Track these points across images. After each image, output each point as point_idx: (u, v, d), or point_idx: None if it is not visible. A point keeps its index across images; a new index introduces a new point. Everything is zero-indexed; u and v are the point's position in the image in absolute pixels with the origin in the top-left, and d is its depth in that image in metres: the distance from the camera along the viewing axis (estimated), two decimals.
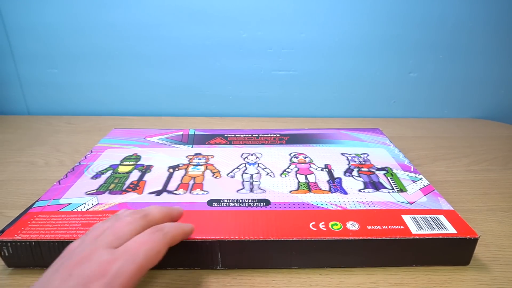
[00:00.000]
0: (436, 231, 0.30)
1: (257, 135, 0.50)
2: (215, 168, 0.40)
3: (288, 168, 0.41)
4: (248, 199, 0.34)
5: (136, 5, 0.60)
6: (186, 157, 0.43)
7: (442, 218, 0.32)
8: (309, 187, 0.37)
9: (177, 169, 0.40)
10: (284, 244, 0.29)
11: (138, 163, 0.42)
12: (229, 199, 0.34)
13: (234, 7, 0.61)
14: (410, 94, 0.68)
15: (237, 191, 0.36)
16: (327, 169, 0.41)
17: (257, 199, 0.34)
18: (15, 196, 0.40)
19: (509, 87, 0.68)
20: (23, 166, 0.47)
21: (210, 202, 0.33)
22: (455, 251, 0.30)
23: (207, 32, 0.62)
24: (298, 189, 0.36)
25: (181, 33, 0.62)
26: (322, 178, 0.39)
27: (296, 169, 0.41)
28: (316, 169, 0.41)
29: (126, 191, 0.35)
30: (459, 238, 0.29)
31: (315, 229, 0.29)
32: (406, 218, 0.31)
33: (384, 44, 0.64)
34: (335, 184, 0.37)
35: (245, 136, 0.49)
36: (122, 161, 0.42)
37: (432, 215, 0.32)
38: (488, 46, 0.64)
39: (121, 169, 0.40)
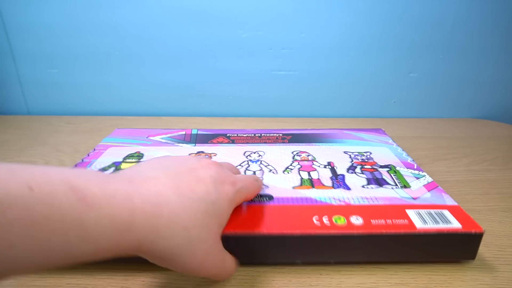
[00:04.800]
0: (441, 226, 0.29)
1: (259, 135, 0.50)
2: None
3: (290, 165, 0.41)
4: None
5: (136, 5, 0.60)
6: (189, 155, 0.43)
7: (446, 212, 0.31)
8: (312, 183, 0.37)
9: None
10: (288, 238, 0.29)
11: (141, 160, 0.42)
12: None
13: (234, 7, 0.61)
14: (410, 94, 0.68)
15: None
16: (330, 166, 0.41)
17: (260, 194, 0.34)
18: None
19: (509, 87, 0.68)
20: None
21: None
22: (460, 246, 0.30)
23: (207, 32, 0.62)
24: (301, 185, 0.36)
25: (181, 33, 0.63)
26: (325, 175, 0.39)
27: (299, 166, 0.41)
28: (319, 166, 0.41)
29: None
30: (464, 233, 0.29)
31: (319, 223, 0.29)
32: (410, 213, 0.31)
33: (384, 44, 0.64)
34: (338, 181, 0.37)
35: (247, 136, 0.50)
36: (124, 158, 0.42)
37: (437, 210, 0.32)
38: (488, 46, 0.64)
39: (124, 166, 0.40)
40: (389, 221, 0.30)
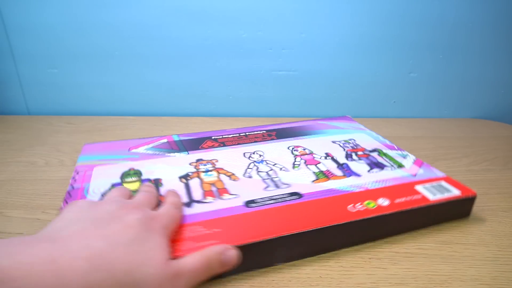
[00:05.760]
0: (446, 195, 0.35)
1: (245, 134, 0.50)
2: (228, 171, 0.40)
3: (295, 161, 0.42)
4: (281, 195, 0.35)
5: (136, 5, 0.60)
6: (190, 164, 0.41)
7: (444, 183, 0.37)
8: (325, 175, 0.39)
9: (189, 178, 0.38)
10: (339, 228, 0.31)
11: (143, 178, 0.38)
12: (263, 198, 0.34)
13: (234, 7, 0.61)
14: (410, 94, 0.68)
15: (264, 189, 0.36)
16: (329, 157, 0.43)
17: (288, 193, 0.35)
18: (15, 196, 0.40)
19: (509, 87, 0.68)
20: (23, 166, 0.47)
21: (248, 203, 0.33)
22: (459, 208, 0.36)
23: (207, 32, 0.62)
24: (317, 178, 0.38)
25: (181, 33, 0.63)
26: (330, 166, 0.41)
27: (303, 161, 0.42)
28: (320, 158, 0.43)
29: None
30: (463, 198, 0.35)
31: (355, 210, 0.32)
32: (419, 188, 0.36)
33: (384, 44, 0.64)
34: (345, 169, 0.40)
35: (233, 136, 0.49)
36: (123, 178, 0.38)
37: (436, 182, 0.37)
38: (488, 46, 0.64)
39: (128, 187, 0.36)
40: (408, 198, 0.34)
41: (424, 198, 0.34)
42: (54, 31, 0.62)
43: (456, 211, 0.36)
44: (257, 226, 0.30)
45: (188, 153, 0.44)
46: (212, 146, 0.46)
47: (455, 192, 0.35)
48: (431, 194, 0.35)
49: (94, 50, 0.64)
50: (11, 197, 0.40)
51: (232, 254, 0.26)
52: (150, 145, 0.46)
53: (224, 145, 0.46)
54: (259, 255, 0.29)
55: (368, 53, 0.64)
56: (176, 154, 0.44)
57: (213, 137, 0.48)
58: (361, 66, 0.65)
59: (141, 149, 0.45)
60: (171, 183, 0.37)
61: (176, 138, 0.48)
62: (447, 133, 0.60)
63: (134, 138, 0.57)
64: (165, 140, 0.48)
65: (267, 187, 0.36)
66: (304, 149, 0.45)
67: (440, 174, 0.39)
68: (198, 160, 0.42)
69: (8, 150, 0.52)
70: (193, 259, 0.24)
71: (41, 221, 0.35)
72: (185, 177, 0.39)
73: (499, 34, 0.63)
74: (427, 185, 0.37)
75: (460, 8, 0.61)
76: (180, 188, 0.36)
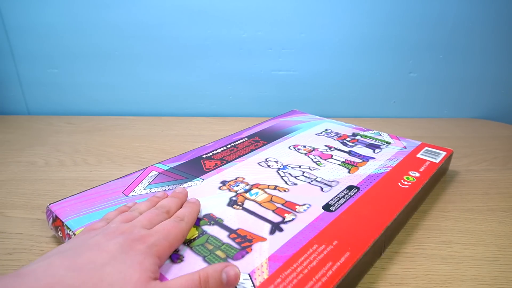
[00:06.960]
0: (440, 157, 0.41)
1: (230, 147, 0.45)
2: (269, 185, 0.36)
3: (314, 158, 0.42)
4: (344, 193, 0.34)
5: (136, 5, 0.60)
6: (220, 189, 0.35)
7: (429, 149, 0.43)
8: (351, 164, 0.40)
9: (239, 203, 0.33)
10: (410, 204, 0.34)
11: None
12: (332, 199, 0.33)
13: (234, 7, 0.61)
14: (410, 94, 0.68)
15: (322, 190, 0.35)
16: (333, 148, 0.44)
17: (347, 189, 0.35)
18: (15, 196, 0.40)
19: (509, 87, 0.68)
20: (23, 166, 0.47)
21: (326, 208, 0.32)
22: (444, 166, 0.42)
23: (207, 32, 0.62)
24: (349, 170, 0.39)
25: (181, 33, 0.63)
26: (343, 155, 0.42)
27: (318, 157, 0.42)
28: (327, 150, 0.43)
29: (244, 250, 0.27)
30: (449, 156, 0.42)
31: (407, 186, 0.35)
32: (422, 156, 0.41)
33: (384, 44, 0.64)
34: (357, 156, 0.42)
35: (224, 151, 0.44)
36: None
37: (425, 149, 0.43)
38: (487, 46, 0.64)
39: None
40: (425, 165, 0.39)
41: (432, 162, 0.40)
42: (54, 31, 0.62)
43: (443, 169, 0.42)
44: (364, 224, 0.30)
45: (203, 180, 0.37)
46: (219, 166, 0.40)
47: (443, 153, 0.42)
48: (433, 158, 0.40)
49: (94, 50, 0.64)
50: (11, 197, 0.40)
51: (234, 272, 0.23)
52: (145, 185, 0.37)
53: (228, 161, 0.41)
54: (376, 250, 0.29)
55: (368, 53, 0.64)
56: (189, 183, 0.37)
57: (204, 156, 0.42)
58: (361, 66, 0.65)
59: (139, 191, 0.36)
60: (229, 213, 0.31)
61: (164, 167, 0.40)
62: (447, 133, 0.60)
63: (132, 139, 0.58)
64: (155, 173, 0.39)
65: (322, 188, 0.35)
66: (304, 146, 0.45)
67: (417, 142, 0.45)
68: (224, 183, 0.36)
69: (8, 150, 0.52)
70: (182, 280, 0.22)
71: (41, 221, 0.35)
72: (235, 203, 0.33)
73: (499, 34, 0.63)
74: (422, 152, 0.42)
75: (460, 8, 0.61)
76: (243, 215, 0.31)
